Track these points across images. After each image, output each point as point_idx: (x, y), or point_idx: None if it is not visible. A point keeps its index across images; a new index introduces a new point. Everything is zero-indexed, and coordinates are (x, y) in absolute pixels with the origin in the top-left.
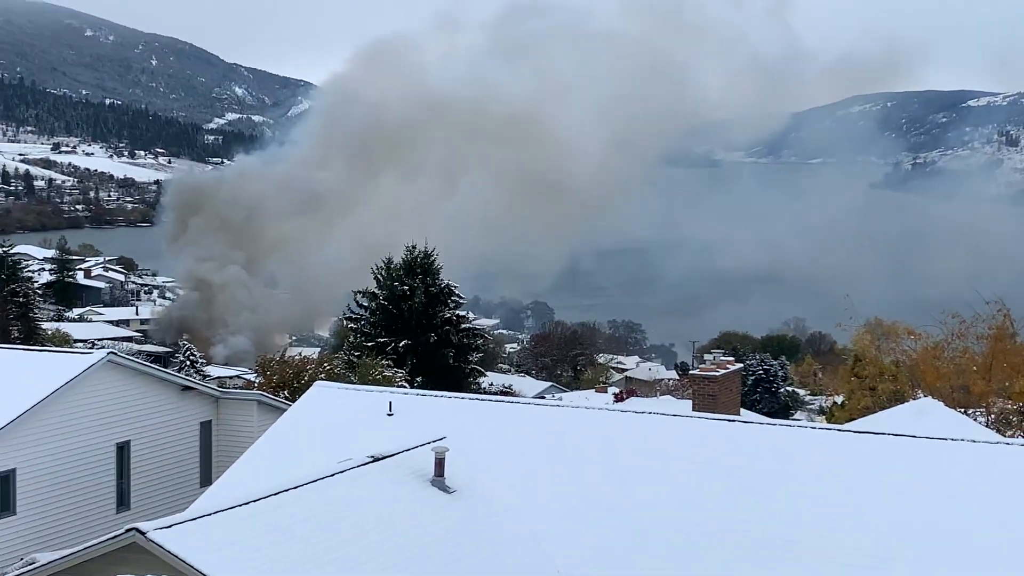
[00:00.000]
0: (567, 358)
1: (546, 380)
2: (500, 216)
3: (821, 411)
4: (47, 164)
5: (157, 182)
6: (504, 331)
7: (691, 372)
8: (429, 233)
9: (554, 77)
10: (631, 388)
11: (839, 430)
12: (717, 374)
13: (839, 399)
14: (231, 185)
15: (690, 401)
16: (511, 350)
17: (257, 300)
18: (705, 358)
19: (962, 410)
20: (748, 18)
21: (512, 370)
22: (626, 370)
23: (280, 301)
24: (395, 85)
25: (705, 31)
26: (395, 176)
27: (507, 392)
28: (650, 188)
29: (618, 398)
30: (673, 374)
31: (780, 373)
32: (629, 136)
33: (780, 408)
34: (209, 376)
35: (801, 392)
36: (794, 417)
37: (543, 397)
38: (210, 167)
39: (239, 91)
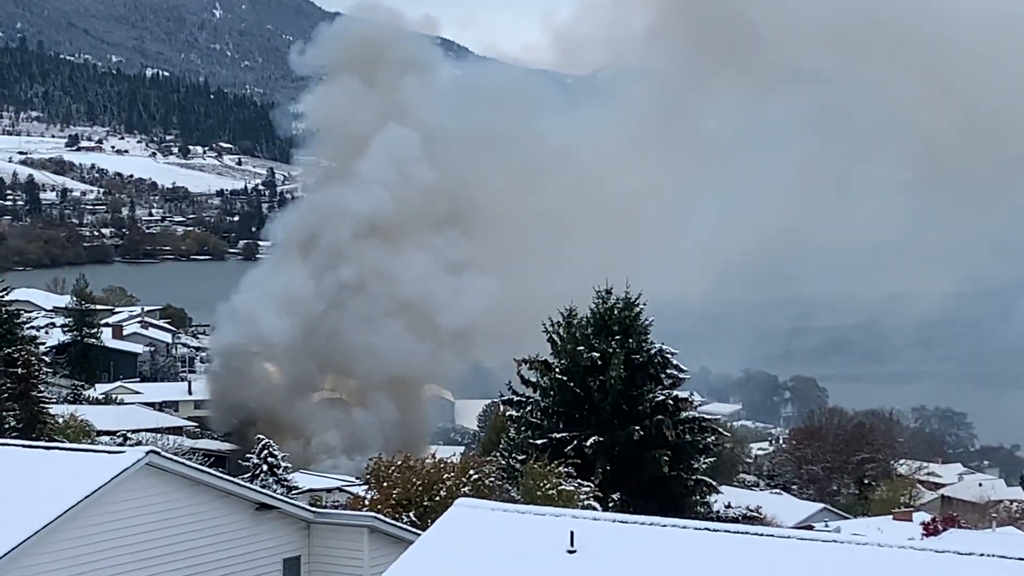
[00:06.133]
0: (848, 466)
1: (815, 500)
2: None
3: None
4: (59, 167)
5: (221, 192)
6: (748, 423)
7: None
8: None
9: None
10: (950, 514)
11: None
12: None
13: None
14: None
15: None
16: (759, 453)
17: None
18: None
19: None
20: None
21: (761, 484)
22: (943, 485)
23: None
24: None
25: None
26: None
27: (753, 518)
28: None
29: (930, 530)
30: (1018, 492)
31: None
32: None
33: None
34: (297, 488)
35: None
36: None
37: (810, 527)
38: (301, 170)
39: None
